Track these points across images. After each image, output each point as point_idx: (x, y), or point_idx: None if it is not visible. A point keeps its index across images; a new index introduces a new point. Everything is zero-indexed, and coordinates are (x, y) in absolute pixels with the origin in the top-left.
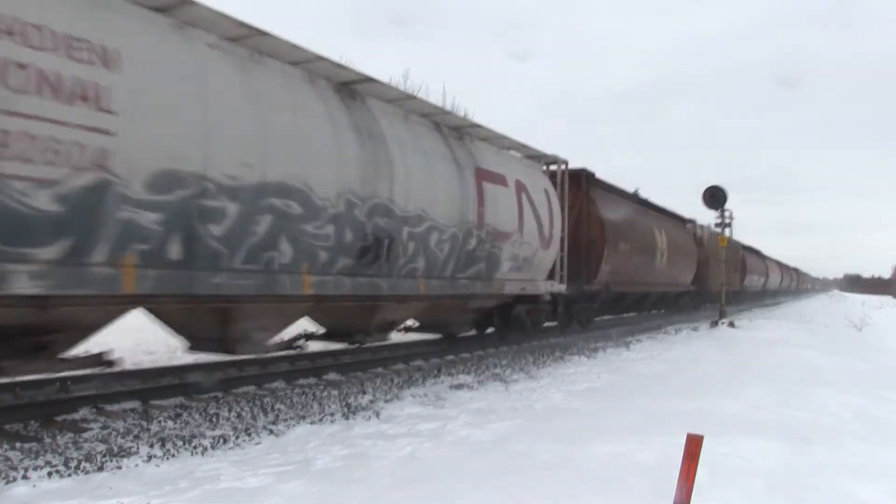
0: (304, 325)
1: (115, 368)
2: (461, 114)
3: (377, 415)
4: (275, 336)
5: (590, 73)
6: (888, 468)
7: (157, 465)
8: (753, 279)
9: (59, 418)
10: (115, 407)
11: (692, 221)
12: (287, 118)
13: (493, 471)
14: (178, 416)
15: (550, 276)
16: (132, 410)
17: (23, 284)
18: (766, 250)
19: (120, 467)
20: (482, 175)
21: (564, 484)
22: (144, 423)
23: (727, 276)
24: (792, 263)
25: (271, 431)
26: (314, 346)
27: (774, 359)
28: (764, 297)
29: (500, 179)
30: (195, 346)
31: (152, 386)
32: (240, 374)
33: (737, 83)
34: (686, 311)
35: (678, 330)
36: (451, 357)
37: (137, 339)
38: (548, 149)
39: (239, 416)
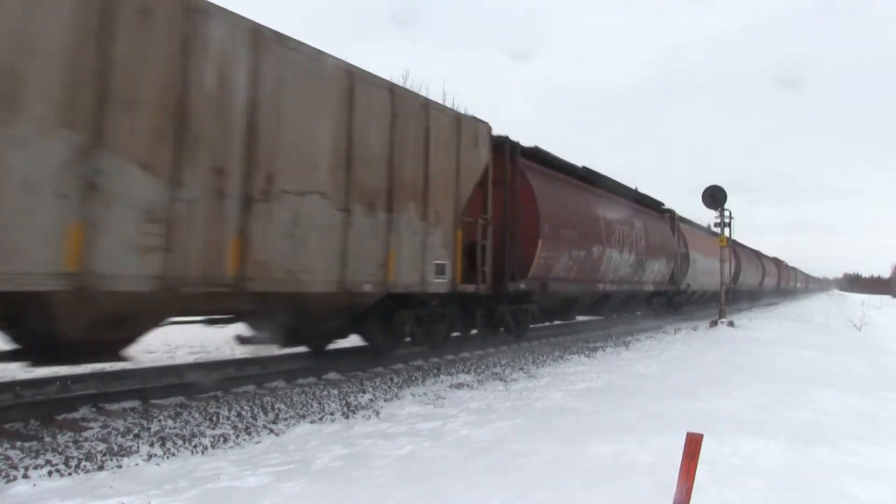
0: None
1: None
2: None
3: (377, 414)
4: None
5: (590, 73)
6: (888, 468)
7: (158, 464)
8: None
9: (59, 417)
10: (115, 406)
11: None
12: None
13: (493, 470)
14: (178, 415)
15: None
16: (132, 409)
17: None
18: (767, 249)
19: (120, 466)
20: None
21: (564, 483)
22: (144, 423)
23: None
24: (792, 263)
25: (271, 430)
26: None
27: (774, 358)
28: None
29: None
30: None
31: (153, 385)
32: (239, 373)
33: (737, 83)
34: None
35: (677, 329)
36: (450, 356)
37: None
38: (549, 148)
39: (239, 415)
